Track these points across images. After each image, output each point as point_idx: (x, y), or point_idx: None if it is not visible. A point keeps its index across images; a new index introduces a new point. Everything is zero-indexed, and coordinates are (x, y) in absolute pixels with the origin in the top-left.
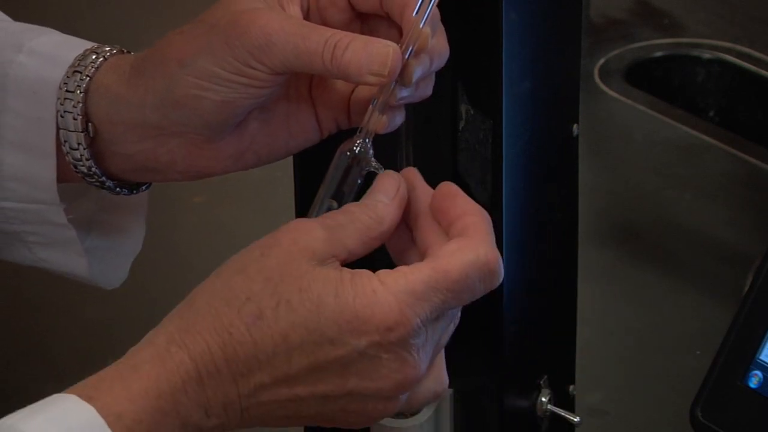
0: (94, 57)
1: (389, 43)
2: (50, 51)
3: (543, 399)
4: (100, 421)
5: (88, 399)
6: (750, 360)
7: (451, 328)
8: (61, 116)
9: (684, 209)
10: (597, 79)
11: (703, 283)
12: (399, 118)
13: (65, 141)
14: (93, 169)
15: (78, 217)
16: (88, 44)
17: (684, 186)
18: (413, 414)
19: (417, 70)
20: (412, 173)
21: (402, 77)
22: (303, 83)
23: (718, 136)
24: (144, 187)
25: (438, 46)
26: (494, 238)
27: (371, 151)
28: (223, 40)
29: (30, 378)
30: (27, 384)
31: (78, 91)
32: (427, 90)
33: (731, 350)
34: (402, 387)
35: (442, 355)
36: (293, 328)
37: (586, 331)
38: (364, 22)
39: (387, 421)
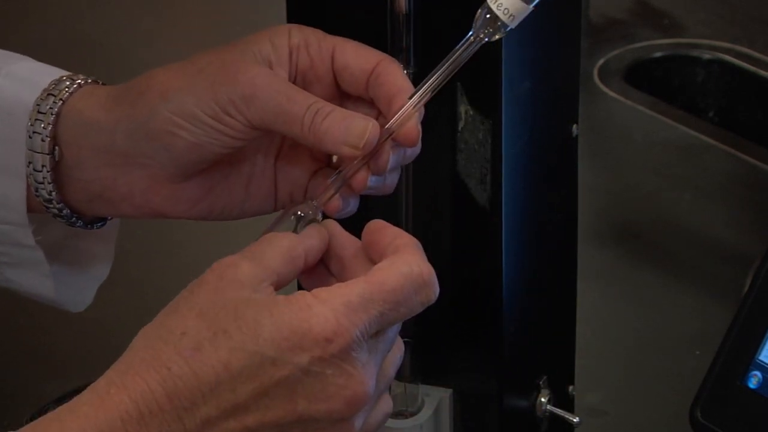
0: (68, 83)
1: (369, 118)
2: (28, 75)
3: (542, 399)
4: None
5: None
6: (750, 360)
7: (397, 357)
8: (30, 137)
9: (684, 209)
10: (597, 80)
11: (703, 283)
12: (353, 205)
13: (30, 162)
14: (53, 194)
15: (46, 242)
16: (64, 72)
17: (684, 186)
18: (413, 414)
19: (392, 158)
20: (332, 223)
21: (377, 163)
22: (272, 151)
23: (717, 136)
24: (99, 224)
25: (415, 134)
26: (425, 258)
27: (320, 218)
28: (208, 84)
29: (30, 378)
30: (27, 384)
31: (50, 113)
32: (393, 182)
33: (731, 350)
34: (352, 405)
35: (387, 378)
36: (233, 354)
37: (586, 331)
38: (346, 102)
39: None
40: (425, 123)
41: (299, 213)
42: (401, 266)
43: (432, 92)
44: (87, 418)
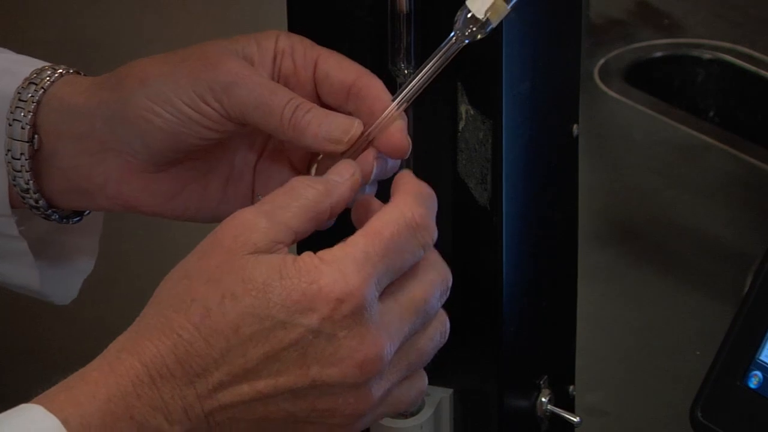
0: (50, 72)
1: (351, 117)
2: (8, 66)
3: (543, 399)
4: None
5: (45, 408)
6: (750, 360)
7: (436, 333)
8: (10, 124)
9: (684, 209)
10: (597, 80)
11: (703, 283)
12: (333, 220)
13: (8, 150)
14: (30, 182)
15: (29, 235)
16: (45, 63)
17: (684, 186)
18: (413, 414)
19: (376, 169)
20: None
21: (361, 173)
22: (252, 154)
23: (717, 136)
24: (75, 219)
25: (404, 144)
26: (421, 202)
27: None
28: (188, 71)
29: (30, 378)
30: (27, 385)
31: (31, 101)
32: (371, 193)
33: (731, 350)
34: (365, 368)
35: (421, 353)
36: (243, 318)
37: (586, 331)
38: None
39: (387, 421)
40: (425, 123)
41: None
42: (393, 213)
43: (415, 94)
44: (97, 384)
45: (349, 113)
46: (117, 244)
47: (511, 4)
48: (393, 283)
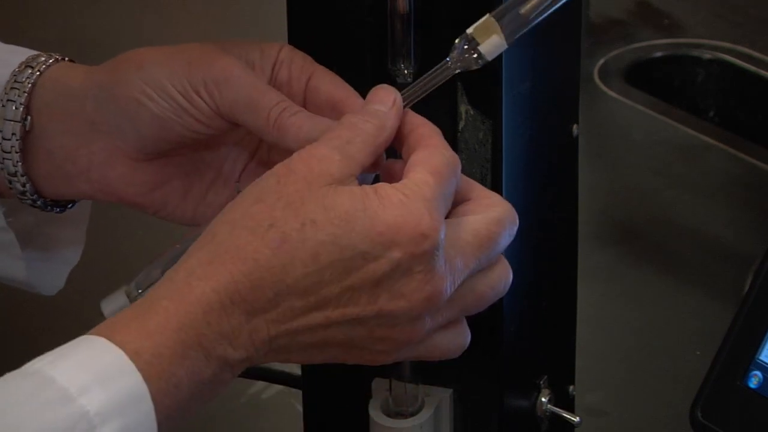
0: (45, 58)
1: (334, 121)
2: None
3: (543, 399)
4: (129, 366)
5: (109, 340)
6: (750, 360)
7: (498, 280)
8: (3, 105)
9: (684, 209)
10: (597, 80)
11: (703, 283)
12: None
13: (0, 130)
14: (18, 164)
15: (16, 226)
16: (36, 52)
17: (684, 186)
18: (413, 414)
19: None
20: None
21: None
22: (239, 164)
23: (717, 136)
24: (57, 209)
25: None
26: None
27: None
28: (185, 62)
29: None
30: None
31: (27, 83)
32: None
33: (731, 350)
34: (428, 302)
35: (478, 297)
36: (322, 246)
37: (586, 331)
38: None
39: (387, 421)
40: None
41: None
42: (438, 155)
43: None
44: (168, 313)
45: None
46: (116, 246)
47: (511, 40)
48: (459, 219)
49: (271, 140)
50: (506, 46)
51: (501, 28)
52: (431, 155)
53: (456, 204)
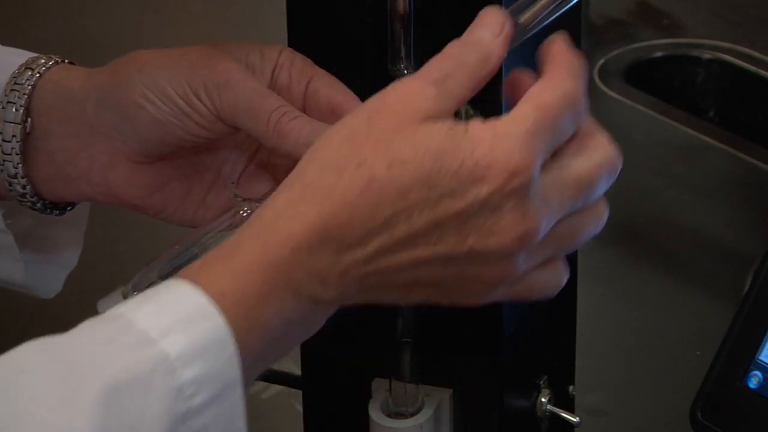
0: (44, 60)
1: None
2: None
3: (543, 399)
4: (211, 309)
5: (192, 283)
6: (750, 360)
7: (592, 221)
8: (3, 107)
9: (684, 209)
10: (597, 80)
11: (703, 283)
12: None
13: (0, 132)
14: (18, 166)
15: (15, 229)
16: (34, 54)
17: (684, 186)
18: (413, 414)
19: None
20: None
21: None
22: (238, 167)
23: (717, 136)
24: (57, 212)
25: None
26: (578, 74)
27: None
28: (186, 66)
29: None
30: None
31: (27, 85)
32: None
33: (731, 350)
34: (521, 241)
35: (573, 236)
36: (411, 184)
37: (586, 331)
38: None
39: (387, 422)
40: None
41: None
42: (556, 87)
43: None
44: (253, 252)
45: None
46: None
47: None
48: (560, 157)
49: (271, 145)
50: (504, 56)
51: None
52: (545, 89)
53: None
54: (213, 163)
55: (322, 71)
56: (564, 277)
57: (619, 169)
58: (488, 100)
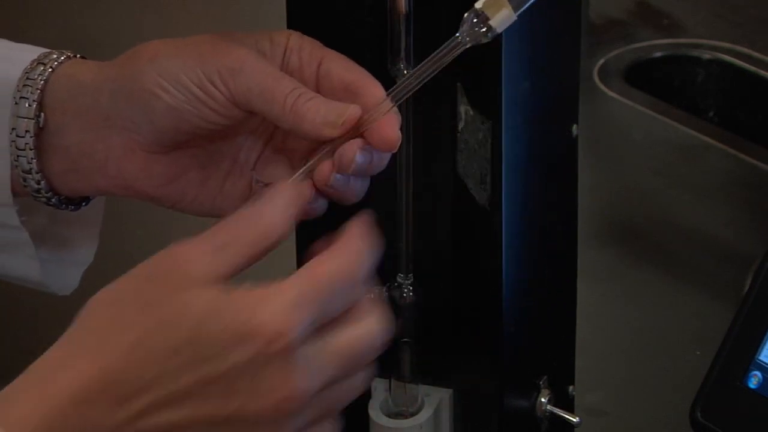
0: (57, 55)
1: (350, 104)
2: (8, 53)
3: (542, 399)
4: None
5: None
6: (750, 360)
7: (354, 381)
8: (16, 103)
9: (684, 209)
10: (596, 80)
11: (703, 283)
12: (320, 204)
13: (13, 128)
14: (33, 161)
15: (31, 226)
16: (45, 49)
17: (684, 186)
18: (412, 414)
19: (359, 156)
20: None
21: (341, 158)
22: (253, 154)
23: (717, 136)
24: (72, 206)
25: (393, 138)
26: (366, 256)
27: None
28: (197, 53)
29: None
30: None
31: (39, 80)
32: (358, 190)
33: (731, 350)
34: (284, 407)
35: (339, 400)
36: (179, 346)
37: (586, 331)
38: None
39: (387, 422)
40: (425, 123)
41: None
42: (333, 261)
43: (411, 90)
44: (24, 409)
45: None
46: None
47: (518, 12)
48: (330, 328)
49: (288, 127)
50: (515, 18)
51: (509, 0)
52: (322, 261)
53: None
54: (229, 151)
55: (332, 52)
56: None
57: (385, 338)
58: (488, 99)
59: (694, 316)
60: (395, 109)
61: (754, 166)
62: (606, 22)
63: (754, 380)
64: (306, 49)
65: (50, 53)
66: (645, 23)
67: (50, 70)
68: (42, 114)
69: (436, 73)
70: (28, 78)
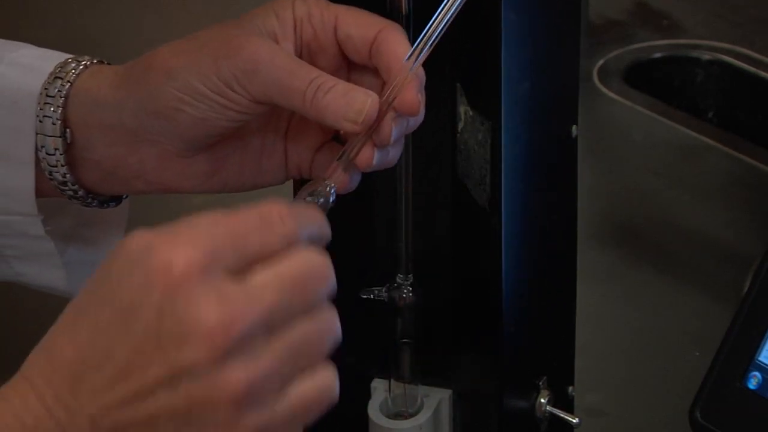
0: (74, 65)
1: (370, 92)
2: (30, 62)
3: (542, 400)
4: None
5: None
6: (749, 361)
7: (317, 319)
8: (40, 121)
9: (684, 209)
10: (596, 80)
11: (703, 283)
12: (356, 181)
13: (42, 146)
14: (67, 176)
15: (56, 231)
16: (67, 55)
17: (684, 186)
18: (412, 415)
19: (395, 130)
20: None
21: (379, 136)
22: (281, 125)
23: (717, 137)
24: (113, 203)
25: (415, 103)
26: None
27: (332, 199)
28: (211, 60)
29: None
30: None
31: (59, 96)
32: (395, 155)
33: (730, 351)
34: (219, 340)
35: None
36: (103, 301)
37: (586, 331)
38: (352, 71)
39: (386, 422)
40: (424, 124)
41: (313, 195)
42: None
43: (427, 50)
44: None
45: (374, 68)
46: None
47: None
48: (258, 265)
49: (313, 119)
50: None
51: None
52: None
53: None
54: (258, 132)
55: (342, 9)
56: (331, 380)
57: (326, 270)
58: (488, 100)
59: (694, 316)
60: (418, 70)
61: (754, 167)
62: (606, 23)
63: (754, 381)
64: (315, 15)
65: (66, 64)
66: (645, 24)
67: (68, 84)
68: (68, 130)
69: (448, 27)
70: (47, 95)
